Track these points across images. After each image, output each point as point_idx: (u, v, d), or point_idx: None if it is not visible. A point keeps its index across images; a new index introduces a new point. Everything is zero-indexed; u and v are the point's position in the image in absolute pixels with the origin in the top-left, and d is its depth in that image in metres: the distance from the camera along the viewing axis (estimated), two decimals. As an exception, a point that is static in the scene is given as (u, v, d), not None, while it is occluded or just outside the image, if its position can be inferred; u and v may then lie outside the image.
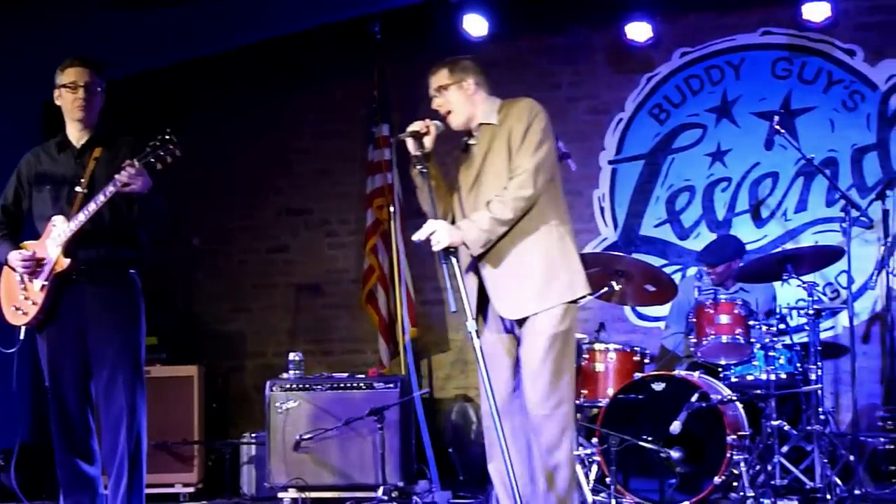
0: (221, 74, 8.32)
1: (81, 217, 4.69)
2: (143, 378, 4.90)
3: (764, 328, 6.15)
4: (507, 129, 4.42)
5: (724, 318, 6.12)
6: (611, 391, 6.21)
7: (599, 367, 6.36)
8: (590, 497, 5.65)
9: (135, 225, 4.88)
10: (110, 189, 4.62)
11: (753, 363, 6.15)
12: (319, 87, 8.41)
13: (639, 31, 7.55)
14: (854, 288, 6.26)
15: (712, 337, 6.11)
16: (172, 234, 7.31)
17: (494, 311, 4.43)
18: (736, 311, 6.13)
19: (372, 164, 7.88)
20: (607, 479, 5.80)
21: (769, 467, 5.88)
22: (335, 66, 8.27)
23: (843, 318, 7.16)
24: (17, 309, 4.85)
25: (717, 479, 5.66)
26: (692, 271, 7.51)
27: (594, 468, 6.05)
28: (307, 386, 6.70)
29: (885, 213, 6.80)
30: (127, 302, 4.90)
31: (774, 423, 5.94)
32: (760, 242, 7.57)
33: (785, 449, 5.97)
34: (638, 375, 6.18)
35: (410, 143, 4.45)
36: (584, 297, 4.47)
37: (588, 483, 5.82)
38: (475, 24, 7.58)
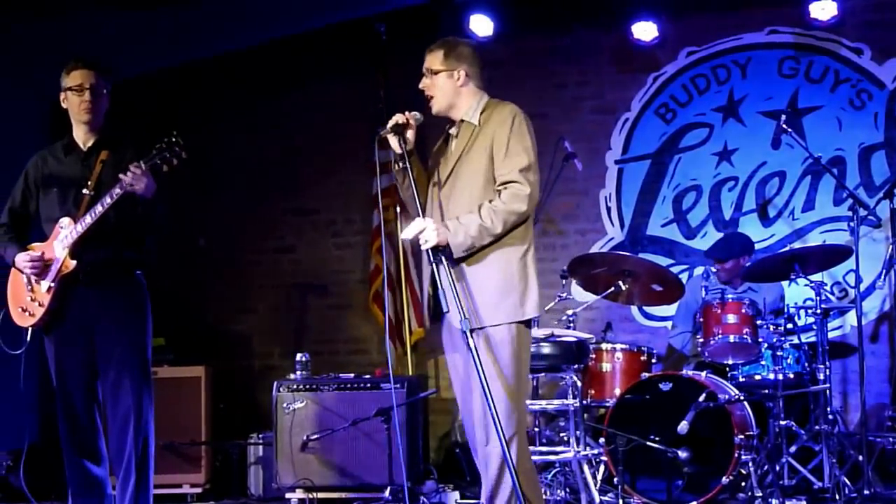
0: (228, 75, 8.32)
1: (88, 219, 4.70)
2: (150, 379, 4.90)
3: (772, 328, 6.15)
4: (488, 134, 4.35)
5: (731, 318, 6.11)
6: (618, 391, 6.21)
7: (606, 367, 6.37)
8: (597, 497, 5.64)
9: (140, 226, 4.89)
10: (116, 191, 4.64)
11: (761, 363, 6.15)
12: (325, 88, 8.41)
13: (645, 30, 7.53)
14: (862, 287, 6.23)
15: (720, 336, 6.10)
16: (179, 235, 7.30)
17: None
18: (743, 311, 6.12)
19: (378, 164, 7.86)
20: (615, 480, 5.80)
21: (777, 467, 5.87)
22: (341, 66, 8.27)
23: (851, 318, 7.15)
24: (24, 310, 4.86)
25: (724, 480, 5.65)
26: (699, 271, 7.50)
27: (601, 468, 6.05)
28: (314, 386, 6.70)
29: (893, 211, 6.74)
30: (133, 303, 4.91)
31: (782, 422, 5.93)
32: (768, 242, 7.56)
33: (793, 449, 5.97)
34: (645, 375, 6.18)
35: (393, 141, 4.39)
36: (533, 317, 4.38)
37: (595, 483, 5.81)
38: (481, 25, 7.58)
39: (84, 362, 4.84)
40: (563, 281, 6.67)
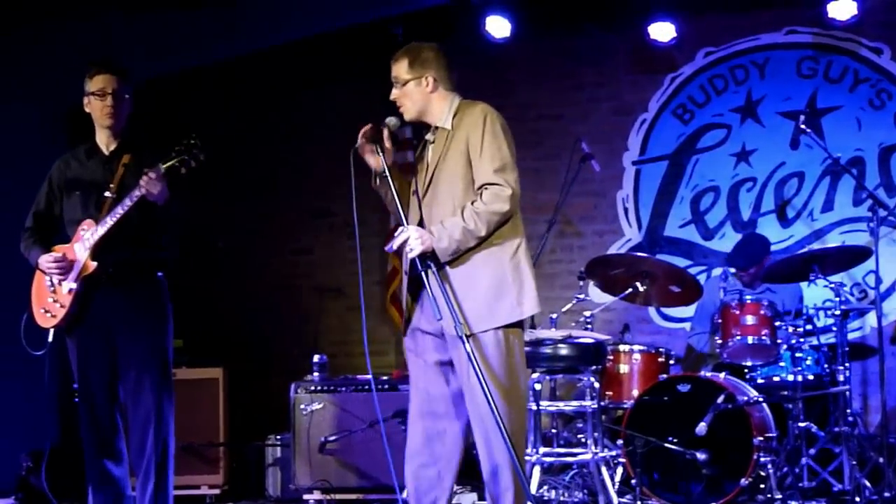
0: (245, 77, 8.34)
1: (109, 221, 4.73)
2: (170, 380, 4.93)
3: (791, 329, 6.12)
4: (462, 137, 4.32)
5: (750, 319, 6.09)
6: (636, 393, 6.20)
7: (624, 368, 6.35)
8: (615, 499, 5.62)
9: (158, 228, 4.91)
10: (136, 194, 4.67)
11: (780, 364, 6.13)
12: (342, 89, 8.41)
13: (662, 31, 7.50)
14: (882, 288, 6.22)
15: (738, 338, 6.08)
16: (196, 237, 7.32)
17: (426, 318, 4.33)
18: (762, 312, 6.10)
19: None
20: (632, 482, 5.79)
21: (797, 469, 5.84)
22: (358, 68, 8.26)
23: (870, 319, 7.11)
24: (46, 311, 4.90)
25: (743, 482, 5.62)
26: (717, 272, 7.47)
27: (619, 470, 6.03)
28: (331, 388, 6.71)
29: (914, 212, 6.75)
30: (154, 304, 4.94)
31: (802, 424, 5.91)
32: (787, 243, 7.52)
33: (813, 451, 5.94)
34: (663, 377, 6.17)
35: (370, 157, 4.41)
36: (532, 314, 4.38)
37: (613, 485, 5.79)
38: (498, 26, 7.56)
39: (105, 363, 4.87)
40: (581, 282, 6.66)
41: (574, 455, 5.77)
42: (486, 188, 4.24)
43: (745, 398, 5.85)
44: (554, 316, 6.46)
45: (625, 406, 6.17)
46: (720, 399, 5.67)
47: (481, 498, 6.51)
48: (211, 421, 7.22)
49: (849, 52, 7.51)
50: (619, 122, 7.99)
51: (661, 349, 6.46)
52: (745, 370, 6.24)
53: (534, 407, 5.39)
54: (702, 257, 7.76)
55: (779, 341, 6.07)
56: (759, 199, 7.66)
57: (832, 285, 6.06)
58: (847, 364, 6.04)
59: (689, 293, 6.49)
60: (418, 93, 4.43)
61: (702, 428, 5.56)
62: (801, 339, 6.11)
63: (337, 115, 8.44)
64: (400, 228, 4.26)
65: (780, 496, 5.65)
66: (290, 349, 8.40)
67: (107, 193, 4.85)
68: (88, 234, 4.80)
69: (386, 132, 4.42)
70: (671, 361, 6.47)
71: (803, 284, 6.70)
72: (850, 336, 6.51)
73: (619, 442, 5.94)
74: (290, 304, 8.52)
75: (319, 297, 8.44)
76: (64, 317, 4.84)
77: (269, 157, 8.53)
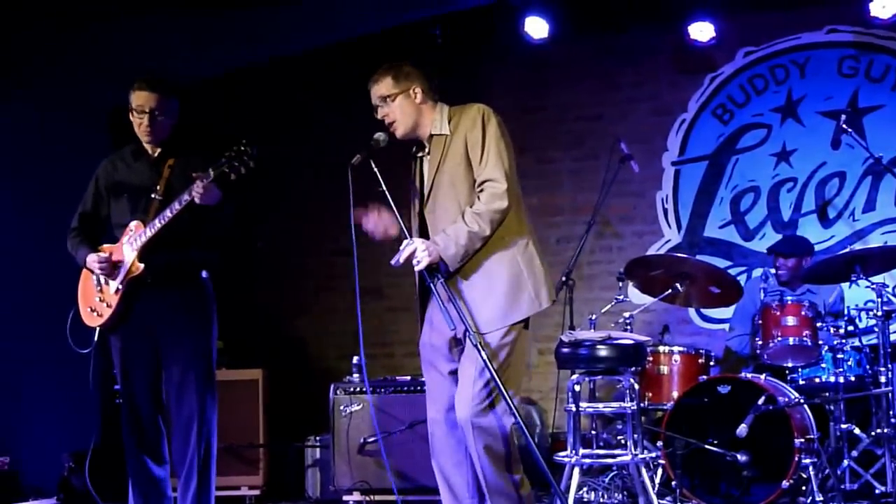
0: (285, 79, 8.38)
1: (157, 223, 4.77)
2: (214, 381, 4.97)
3: (832, 330, 6.07)
4: (461, 138, 4.34)
5: (790, 320, 6.05)
6: (675, 394, 6.17)
7: (664, 369, 6.33)
8: (655, 501, 5.59)
9: (207, 230, 4.94)
10: (185, 198, 4.70)
11: (821, 365, 6.08)
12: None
13: (702, 30, 7.47)
14: (925, 289, 6.15)
15: (779, 339, 6.04)
16: (236, 238, 7.37)
17: (438, 322, 4.36)
18: (803, 313, 6.05)
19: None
20: (672, 483, 5.76)
21: (838, 471, 5.79)
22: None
23: (913, 320, 7.04)
24: (93, 310, 4.95)
25: (784, 484, 5.58)
26: (758, 272, 7.42)
27: (659, 472, 6.01)
28: (371, 389, 6.72)
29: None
30: (199, 304, 4.98)
31: (843, 426, 5.86)
32: (828, 243, 7.47)
33: (855, 453, 5.89)
34: (703, 378, 6.14)
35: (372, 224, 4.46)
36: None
37: (653, 487, 5.76)
38: (536, 26, 7.57)
39: (149, 363, 4.92)
40: (620, 283, 6.65)
41: (614, 457, 5.75)
42: (482, 188, 4.26)
43: (786, 400, 5.81)
44: (593, 317, 6.45)
45: (665, 407, 6.15)
46: (761, 400, 5.63)
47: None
48: (251, 422, 7.26)
49: (891, 50, 7.45)
50: (658, 122, 7.96)
51: (701, 350, 6.42)
52: (786, 371, 6.19)
53: (573, 408, 5.38)
54: (742, 258, 7.72)
55: (820, 342, 6.03)
56: (799, 200, 7.61)
57: (874, 286, 6.01)
58: (889, 365, 5.98)
59: (729, 294, 6.45)
60: (408, 105, 4.46)
61: (742, 429, 5.53)
62: (843, 341, 6.05)
63: (373, 117, 8.45)
64: (405, 242, 4.27)
65: (821, 498, 5.60)
66: (329, 350, 8.44)
67: (154, 195, 4.89)
68: (136, 236, 4.84)
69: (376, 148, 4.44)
70: (711, 363, 6.44)
71: (845, 285, 6.65)
72: (893, 337, 6.43)
73: (659, 443, 5.92)
74: (328, 305, 8.54)
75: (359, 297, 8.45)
76: (110, 316, 4.88)
77: (308, 158, 8.56)
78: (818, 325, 6.04)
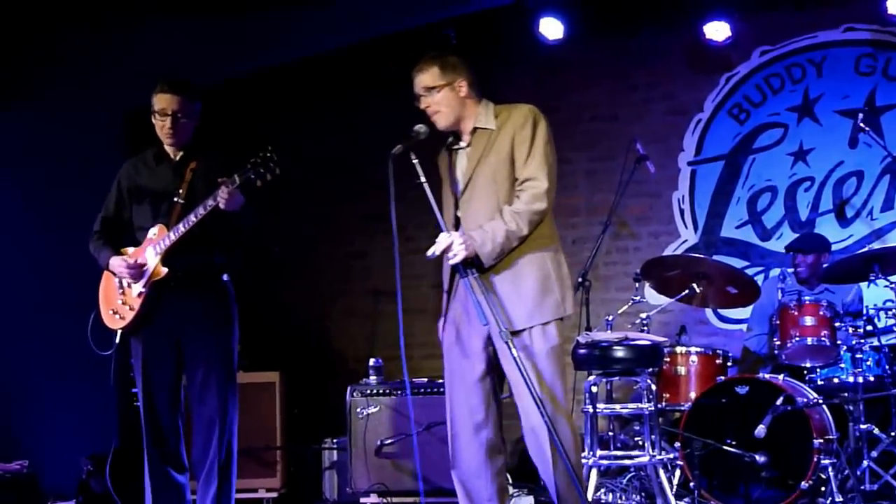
0: (298, 82, 8.39)
1: (181, 228, 4.78)
2: (235, 383, 4.98)
3: (851, 329, 6.04)
4: (508, 136, 4.32)
5: (808, 320, 6.03)
6: (693, 395, 6.16)
7: (681, 370, 6.32)
8: (673, 502, 5.59)
9: (230, 234, 4.95)
10: (210, 203, 4.70)
11: (840, 365, 6.05)
12: (395, 92, 8.39)
13: (717, 30, 7.45)
14: (944, 288, 6.11)
15: (797, 339, 6.02)
16: (256, 242, 7.40)
17: (468, 321, 4.36)
18: (821, 313, 6.03)
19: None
20: (691, 484, 5.75)
21: (858, 472, 5.77)
22: (411, 71, 8.28)
23: (933, 319, 7.00)
24: (115, 313, 4.97)
25: (803, 485, 5.57)
26: (775, 272, 7.40)
27: (677, 473, 6.00)
28: (388, 391, 6.73)
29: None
30: (221, 307, 5.00)
31: (863, 426, 5.83)
32: (846, 242, 7.43)
33: (874, 453, 5.86)
34: (721, 379, 6.12)
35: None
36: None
37: (671, 488, 5.75)
38: (551, 27, 7.56)
39: (169, 366, 4.93)
40: (637, 284, 6.64)
41: (631, 458, 5.75)
42: (523, 187, 4.26)
43: (805, 400, 5.79)
44: (610, 318, 6.44)
45: (682, 408, 6.13)
46: (779, 401, 5.62)
47: (538, 502, 6.50)
48: (268, 424, 7.27)
49: (909, 48, 7.43)
50: (674, 122, 7.94)
51: (718, 351, 6.41)
52: (805, 372, 6.17)
53: (590, 409, 5.38)
54: (759, 258, 7.69)
55: (839, 342, 6.00)
56: (817, 199, 7.58)
57: (893, 285, 5.98)
58: (909, 365, 5.97)
59: (746, 294, 6.44)
60: (453, 98, 4.43)
61: (761, 430, 5.51)
62: (862, 340, 6.02)
63: (390, 119, 8.44)
64: (441, 234, 4.25)
65: (841, 499, 5.59)
66: (346, 353, 8.45)
67: (176, 199, 4.90)
68: (160, 240, 4.85)
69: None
70: (729, 363, 6.42)
71: (863, 284, 6.62)
72: (912, 337, 6.42)
73: (677, 445, 5.90)
74: (345, 307, 8.55)
75: (375, 300, 8.47)
76: (132, 319, 4.90)
77: (323, 161, 8.57)
78: (836, 324, 6.01)
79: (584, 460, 5.17)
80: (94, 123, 7.57)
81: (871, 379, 5.97)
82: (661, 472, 5.54)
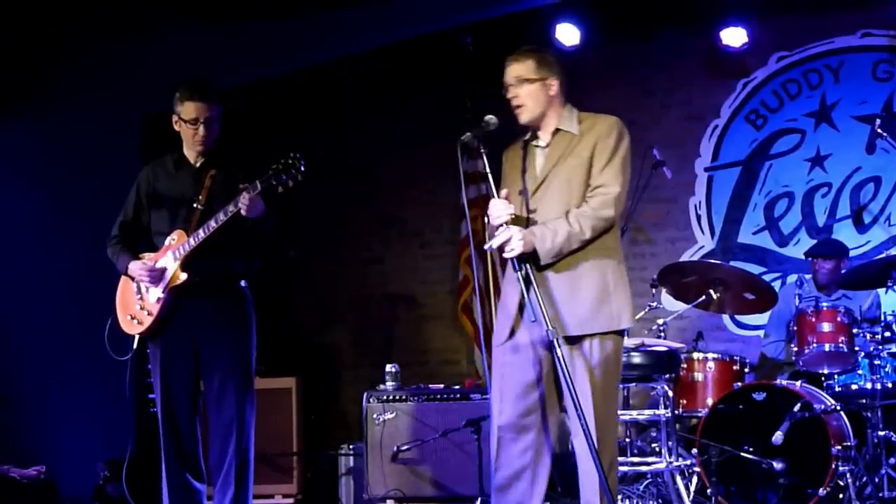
0: (315, 87, 8.41)
1: (201, 233, 4.79)
2: (253, 389, 4.98)
3: (868, 336, 6.01)
4: (590, 142, 4.31)
5: (826, 326, 6.00)
6: (710, 401, 6.13)
7: (698, 376, 6.29)
8: (691, 509, 5.58)
9: (249, 240, 4.95)
10: (230, 209, 4.71)
11: (858, 372, 6.03)
12: (412, 98, 8.45)
13: (734, 36, 7.43)
14: (963, 294, 6.08)
15: (815, 345, 5.99)
16: (275, 248, 7.42)
17: (527, 322, 4.25)
18: (839, 319, 6.00)
19: (466, 174, 7.82)
20: (708, 491, 5.73)
21: (876, 479, 5.74)
22: (427, 76, 8.31)
23: (951, 326, 6.97)
24: (133, 318, 4.98)
25: (821, 491, 5.54)
26: (792, 278, 7.37)
27: (694, 479, 5.98)
28: (404, 397, 6.73)
29: None
30: (239, 313, 5.00)
31: (881, 433, 5.80)
32: (863, 248, 7.41)
33: (892, 460, 5.83)
34: (738, 385, 6.09)
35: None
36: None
37: (688, 495, 5.74)
38: (567, 33, 7.55)
39: (188, 372, 4.94)
40: (653, 290, 6.63)
41: (648, 464, 5.73)
42: (594, 193, 4.24)
43: (823, 406, 5.76)
44: (626, 324, 6.42)
45: (699, 415, 6.11)
46: (797, 407, 5.60)
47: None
48: (284, 430, 7.28)
49: (926, 54, 7.41)
50: (690, 127, 7.93)
51: (735, 357, 6.39)
52: (822, 378, 6.15)
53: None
54: (776, 264, 7.68)
55: (856, 349, 5.98)
56: (834, 205, 7.56)
57: (911, 291, 5.96)
58: (927, 372, 5.94)
59: (763, 300, 6.41)
60: (542, 94, 4.39)
61: (778, 437, 5.49)
62: (880, 347, 5.99)
63: (407, 124, 8.48)
64: (501, 227, 4.19)
65: (859, 506, 5.57)
66: (362, 358, 8.45)
67: (196, 205, 4.91)
68: (179, 246, 4.86)
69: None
70: (746, 369, 6.40)
71: (881, 291, 6.59)
72: (931, 343, 6.39)
73: (694, 451, 5.88)
74: (361, 313, 8.56)
75: (391, 305, 8.48)
76: (150, 324, 4.91)
77: (339, 167, 8.58)
78: (854, 331, 5.99)
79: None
80: (111, 128, 7.59)
81: (889, 385, 5.94)
82: (678, 479, 5.53)
